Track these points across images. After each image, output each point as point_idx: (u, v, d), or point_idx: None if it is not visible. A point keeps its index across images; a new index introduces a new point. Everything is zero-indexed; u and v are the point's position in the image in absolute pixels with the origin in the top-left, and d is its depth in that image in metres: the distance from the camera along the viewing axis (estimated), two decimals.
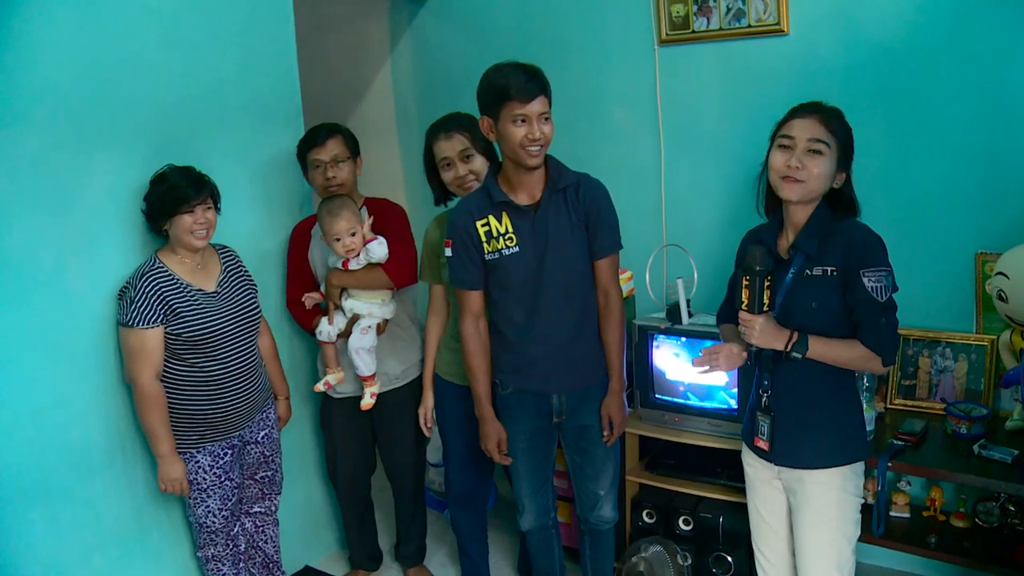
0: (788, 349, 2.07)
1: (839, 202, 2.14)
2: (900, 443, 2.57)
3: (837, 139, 2.05)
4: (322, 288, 2.90)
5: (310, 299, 2.93)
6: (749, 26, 2.96)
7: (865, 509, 2.73)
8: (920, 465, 2.52)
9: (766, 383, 2.22)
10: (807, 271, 2.10)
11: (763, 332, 2.08)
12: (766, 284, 2.07)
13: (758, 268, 2.07)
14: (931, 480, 2.75)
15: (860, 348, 2.05)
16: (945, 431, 2.65)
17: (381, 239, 2.79)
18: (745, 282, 2.09)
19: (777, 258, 2.17)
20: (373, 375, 2.91)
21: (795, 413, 2.18)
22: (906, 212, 2.81)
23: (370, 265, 2.80)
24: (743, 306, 2.10)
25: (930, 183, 2.77)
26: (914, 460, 2.53)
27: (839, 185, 2.10)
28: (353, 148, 2.93)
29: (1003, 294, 2.47)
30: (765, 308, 2.09)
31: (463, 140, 2.65)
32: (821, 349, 2.06)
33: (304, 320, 2.98)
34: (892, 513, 2.78)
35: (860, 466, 2.23)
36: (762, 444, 2.24)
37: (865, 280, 2.02)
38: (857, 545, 2.72)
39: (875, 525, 2.61)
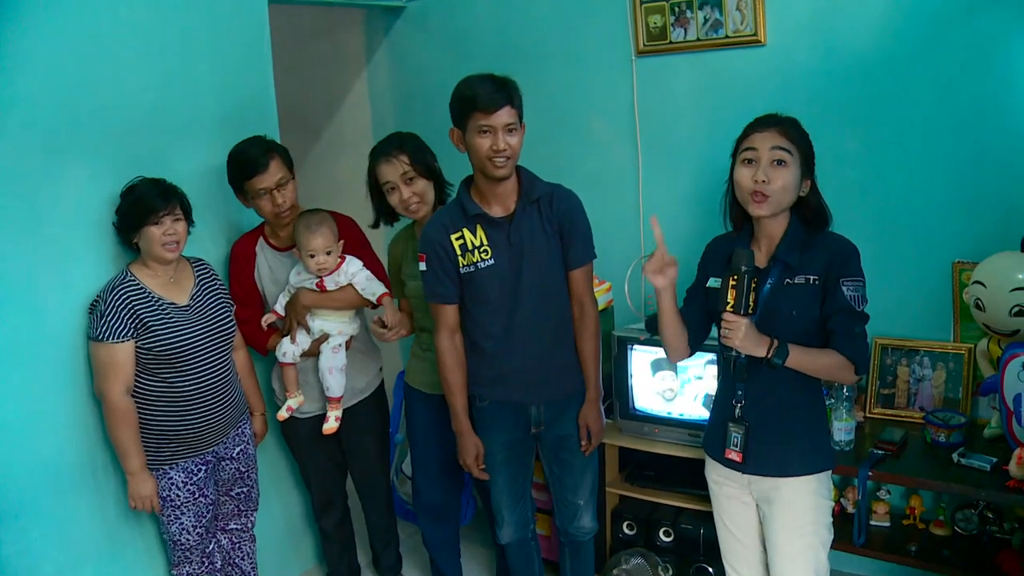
0: (770, 356, 2.02)
1: (808, 211, 2.11)
2: (880, 452, 2.58)
3: (798, 147, 2.04)
4: (277, 307, 2.84)
5: (268, 320, 2.86)
6: (726, 37, 2.97)
7: (846, 518, 2.75)
8: (900, 474, 2.52)
9: (739, 393, 2.17)
10: (787, 280, 2.08)
11: (747, 336, 2.01)
12: (752, 286, 2.01)
13: (745, 268, 2.00)
14: (911, 489, 2.75)
15: (836, 356, 2.04)
16: (924, 440, 2.65)
17: (370, 274, 2.79)
18: (732, 282, 2.01)
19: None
20: (341, 397, 2.88)
21: (769, 422, 2.15)
22: (883, 221, 2.82)
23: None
24: (728, 307, 2.02)
25: (907, 192, 2.78)
26: (894, 469, 2.53)
27: (805, 193, 2.09)
28: (290, 163, 2.81)
29: (980, 303, 2.48)
30: (750, 311, 2.02)
31: (403, 163, 2.61)
32: (800, 357, 2.03)
33: (256, 340, 2.91)
34: (872, 522, 2.79)
35: (829, 471, 2.23)
36: (734, 456, 2.18)
37: (844, 289, 2.02)
38: (838, 554, 2.74)
39: (856, 534, 2.61)
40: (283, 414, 2.90)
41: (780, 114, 2.10)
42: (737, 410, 2.18)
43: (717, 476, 2.31)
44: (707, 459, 2.35)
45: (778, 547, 2.20)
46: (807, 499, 2.16)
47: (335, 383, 2.82)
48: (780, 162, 2.02)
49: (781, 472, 2.16)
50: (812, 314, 2.07)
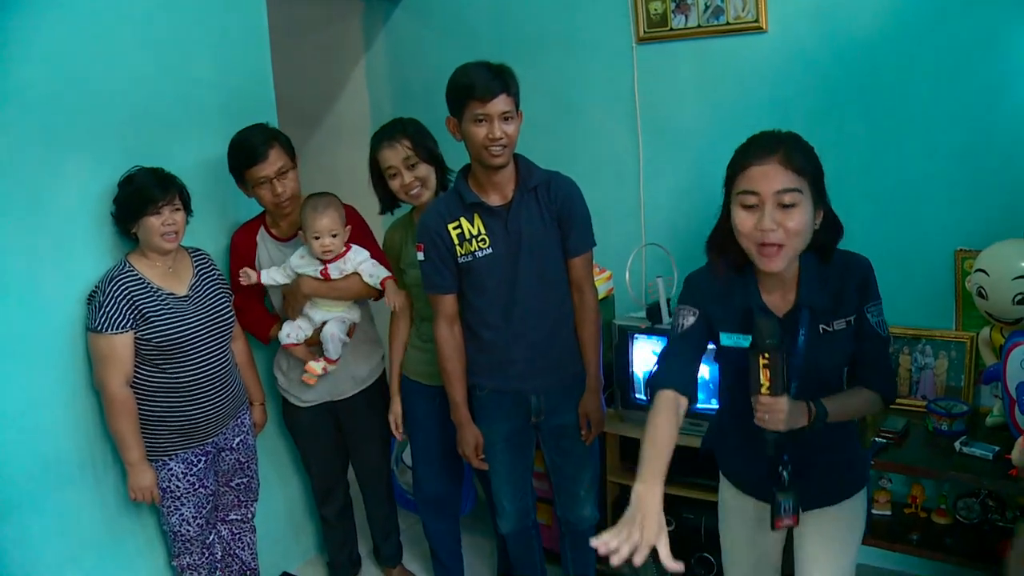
0: (811, 423, 1.79)
1: (820, 238, 1.78)
2: (882, 441, 2.57)
3: (807, 176, 1.69)
4: (263, 275, 2.78)
5: (244, 275, 2.76)
6: (728, 23, 2.95)
7: None
8: (901, 462, 2.52)
9: (785, 458, 1.86)
10: (822, 327, 1.82)
11: (790, 415, 1.75)
12: (785, 358, 1.74)
13: (771, 342, 1.72)
14: (912, 477, 2.75)
15: (866, 393, 1.88)
16: (926, 428, 2.65)
17: (376, 262, 2.76)
18: (763, 362, 1.73)
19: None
20: (337, 359, 2.84)
21: (817, 472, 1.92)
22: (885, 209, 2.81)
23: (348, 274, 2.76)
24: (763, 389, 1.74)
25: (910, 180, 2.77)
26: (896, 458, 2.53)
27: (818, 224, 1.75)
28: (292, 152, 2.79)
29: (983, 291, 2.47)
30: (787, 386, 1.77)
31: (406, 148, 2.60)
32: (837, 411, 1.82)
33: (257, 329, 2.91)
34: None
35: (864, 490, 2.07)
36: (788, 522, 1.88)
37: (870, 316, 1.82)
38: None
39: None
40: (312, 377, 2.86)
41: (778, 133, 1.75)
42: (784, 477, 1.87)
43: (742, 504, 2.07)
44: (723, 483, 2.14)
45: (819, 560, 1.99)
46: (856, 511, 2.01)
47: (334, 348, 2.79)
48: (790, 205, 1.68)
49: (833, 501, 1.98)
50: (847, 358, 1.89)
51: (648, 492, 1.61)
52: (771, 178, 1.66)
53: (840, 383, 1.90)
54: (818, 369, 1.83)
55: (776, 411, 1.74)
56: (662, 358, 1.92)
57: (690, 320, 1.91)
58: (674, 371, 1.87)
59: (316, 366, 2.83)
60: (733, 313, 1.85)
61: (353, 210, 2.89)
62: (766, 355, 1.72)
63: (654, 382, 1.87)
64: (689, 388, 1.86)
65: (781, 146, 1.69)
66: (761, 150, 1.70)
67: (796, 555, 2.05)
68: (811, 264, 1.80)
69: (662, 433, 1.75)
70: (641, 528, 1.55)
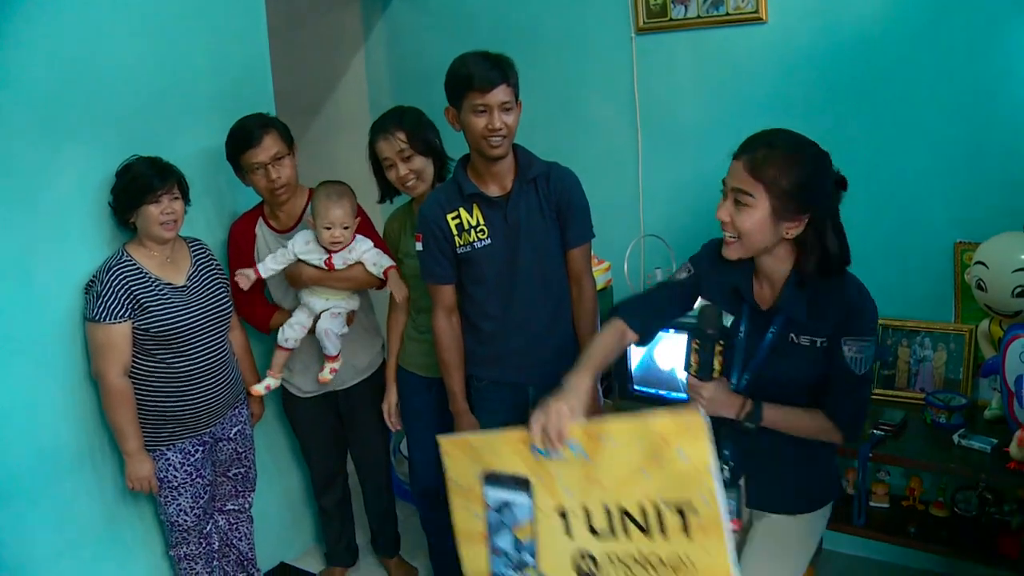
0: (740, 418, 1.82)
1: (807, 253, 1.78)
2: (880, 433, 2.57)
3: (770, 186, 1.69)
4: (260, 268, 2.73)
5: (243, 277, 2.71)
6: (727, 14, 2.94)
7: (845, 499, 2.74)
8: (900, 455, 2.51)
9: (726, 453, 1.83)
10: (792, 336, 1.83)
11: (712, 400, 1.81)
12: (718, 350, 1.80)
13: (709, 332, 1.79)
14: (910, 470, 2.74)
15: (820, 419, 1.83)
16: (924, 421, 2.65)
17: (380, 251, 2.74)
18: (695, 346, 1.81)
19: (754, 307, 1.89)
20: (338, 355, 2.83)
21: (767, 473, 1.91)
22: (886, 202, 2.80)
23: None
24: (692, 371, 1.83)
25: (910, 173, 2.76)
26: (894, 450, 2.52)
27: (792, 236, 1.75)
28: (289, 140, 2.77)
29: (982, 283, 2.46)
30: (715, 375, 1.82)
31: (400, 140, 2.59)
32: (776, 418, 1.82)
33: (257, 320, 2.90)
34: (872, 503, 2.78)
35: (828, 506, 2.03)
36: (734, 525, 1.79)
37: (845, 349, 1.77)
38: (838, 535, 2.74)
39: (856, 515, 2.61)
40: (259, 389, 2.85)
41: (773, 137, 1.76)
42: (726, 472, 1.81)
43: None
44: None
45: (761, 567, 1.93)
46: (813, 527, 1.98)
47: (331, 344, 2.77)
48: (740, 204, 1.74)
49: (789, 510, 1.97)
50: (811, 377, 1.85)
51: (576, 377, 1.78)
52: (735, 174, 1.75)
53: (802, 398, 1.85)
54: (774, 375, 1.86)
55: (698, 394, 1.83)
56: (640, 294, 2.06)
57: (682, 275, 2.02)
58: (638, 308, 2.01)
59: (272, 382, 2.86)
60: (724, 287, 1.93)
61: (359, 204, 2.89)
62: (697, 341, 1.81)
63: (615, 308, 2.02)
64: (643, 328, 1.99)
65: (758, 149, 1.73)
66: (747, 144, 1.77)
67: (742, 552, 1.97)
68: (805, 275, 1.80)
69: (602, 346, 1.93)
70: (561, 402, 1.67)
